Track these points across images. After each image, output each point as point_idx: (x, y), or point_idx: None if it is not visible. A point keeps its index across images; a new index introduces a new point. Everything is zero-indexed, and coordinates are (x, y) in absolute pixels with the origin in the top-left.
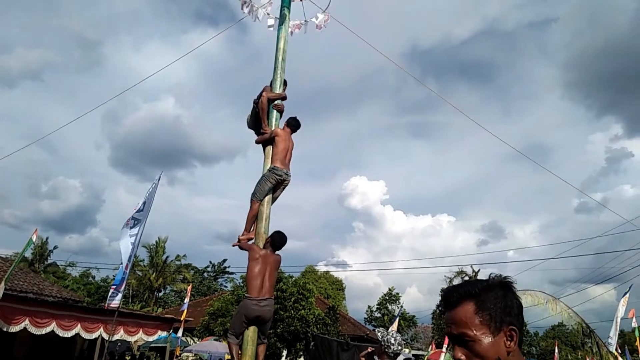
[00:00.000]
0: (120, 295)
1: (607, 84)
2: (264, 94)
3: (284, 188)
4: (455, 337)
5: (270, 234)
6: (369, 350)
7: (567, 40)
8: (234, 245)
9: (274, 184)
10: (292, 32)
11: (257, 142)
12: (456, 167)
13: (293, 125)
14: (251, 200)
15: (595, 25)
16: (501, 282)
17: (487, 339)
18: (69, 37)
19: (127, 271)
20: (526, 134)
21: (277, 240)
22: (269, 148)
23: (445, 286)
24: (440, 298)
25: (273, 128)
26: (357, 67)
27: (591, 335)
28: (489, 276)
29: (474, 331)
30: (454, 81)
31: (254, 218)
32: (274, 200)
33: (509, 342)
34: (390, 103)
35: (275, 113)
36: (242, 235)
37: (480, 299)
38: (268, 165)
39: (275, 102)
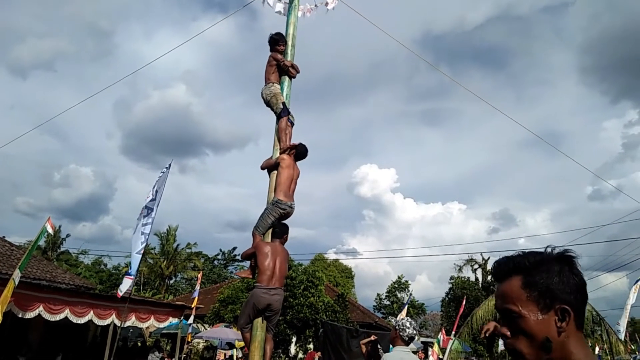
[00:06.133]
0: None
1: (623, 68)
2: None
3: (287, 219)
4: (501, 311)
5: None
6: (372, 338)
7: (583, 24)
8: (236, 275)
9: (277, 217)
10: (303, 14)
11: (262, 167)
12: (467, 154)
13: (300, 152)
14: (253, 234)
15: (613, 8)
16: (559, 256)
17: (534, 317)
18: (80, 26)
19: (140, 258)
20: (540, 121)
21: (282, 228)
22: (274, 174)
23: (454, 274)
24: (491, 270)
25: (282, 122)
26: (368, 54)
27: (601, 323)
28: (545, 249)
29: (520, 307)
30: (467, 67)
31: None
32: None
33: (560, 322)
34: (402, 90)
35: (287, 80)
36: (240, 272)
37: (530, 274)
38: (272, 194)
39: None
